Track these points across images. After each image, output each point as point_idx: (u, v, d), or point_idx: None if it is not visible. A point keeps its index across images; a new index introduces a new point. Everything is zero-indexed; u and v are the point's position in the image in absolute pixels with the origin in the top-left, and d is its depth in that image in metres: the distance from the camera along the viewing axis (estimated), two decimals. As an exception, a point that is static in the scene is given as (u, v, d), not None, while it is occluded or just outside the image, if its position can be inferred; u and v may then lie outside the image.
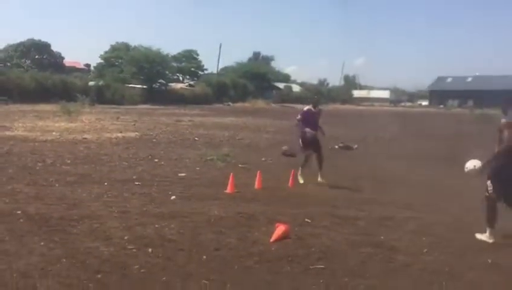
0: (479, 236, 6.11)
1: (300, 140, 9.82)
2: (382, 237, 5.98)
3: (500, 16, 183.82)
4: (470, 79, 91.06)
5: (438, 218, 7.12)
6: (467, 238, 6.11)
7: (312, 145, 9.70)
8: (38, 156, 11.72)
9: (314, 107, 9.87)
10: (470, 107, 64.15)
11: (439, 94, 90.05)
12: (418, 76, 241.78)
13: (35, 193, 7.62)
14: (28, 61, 64.26)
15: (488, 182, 6.14)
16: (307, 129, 9.53)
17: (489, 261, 5.25)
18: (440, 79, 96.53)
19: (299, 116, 9.73)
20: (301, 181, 9.52)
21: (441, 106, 79.66)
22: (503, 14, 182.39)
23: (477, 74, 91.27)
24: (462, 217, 7.20)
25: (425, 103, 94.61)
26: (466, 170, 6.41)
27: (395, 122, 29.63)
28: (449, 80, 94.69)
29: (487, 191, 6.14)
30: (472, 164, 6.35)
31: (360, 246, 5.58)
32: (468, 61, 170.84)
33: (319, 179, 9.60)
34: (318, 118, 9.81)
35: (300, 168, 9.78)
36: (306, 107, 10.03)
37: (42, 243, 5.17)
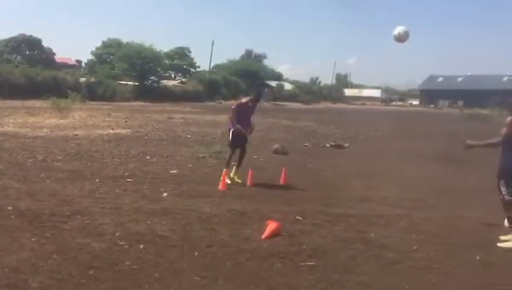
0: (503, 245, 5.71)
1: (230, 136, 9.09)
2: (372, 235, 6.03)
3: (491, 16, 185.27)
4: (460, 79, 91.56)
5: (428, 215, 7.18)
6: (456, 235, 6.17)
7: (241, 142, 9.11)
8: (29, 152, 11.66)
9: (254, 101, 9.10)
10: (460, 107, 64.62)
11: (430, 93, 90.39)
12: (410, 75, 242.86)
13: (26, 189, 7.59)
14: (19, 57, 63.69)
15: (502, 182, 5.89)
16: (236, 127, 8.90)
17: (478, 258, 5.32)
18: (431, 78, 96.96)
19: (234, 107, 9.09)
20: (239, 181, 8.89)
21: (431, 106, 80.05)
22: (494, 15, 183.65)
23: (468, 73, 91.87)
24: (451, 214, 7.27)
25: (416, 102, 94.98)
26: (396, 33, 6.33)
27: (386, 121, 29.76)
28: (440, 79, 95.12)
29: (501, 193, 5.89)
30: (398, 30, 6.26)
31: (351, 243, 5.62)
32: (460, 61, 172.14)
33: (232, 174, 8.99)
34: (253, 112, 9.28)
35: (229, 168, 9.05)
36: (244, 99, 9.37)
37: (33, 239, 5.16)
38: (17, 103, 34.12)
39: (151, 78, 61.20)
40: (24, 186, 7.85)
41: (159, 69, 63.07)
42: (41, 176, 8.83)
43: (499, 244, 5.78)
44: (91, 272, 4.37)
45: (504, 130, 5.95)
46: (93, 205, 6.75)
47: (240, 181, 8.90)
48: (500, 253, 5.56)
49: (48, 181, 8.42)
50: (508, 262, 5.25)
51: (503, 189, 5.88)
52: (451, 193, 8.86)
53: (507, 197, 5.86)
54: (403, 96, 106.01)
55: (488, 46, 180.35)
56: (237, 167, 9.12)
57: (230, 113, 9.19)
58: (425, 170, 11.54)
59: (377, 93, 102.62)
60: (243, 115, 9.08)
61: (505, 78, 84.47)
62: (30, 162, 10.35)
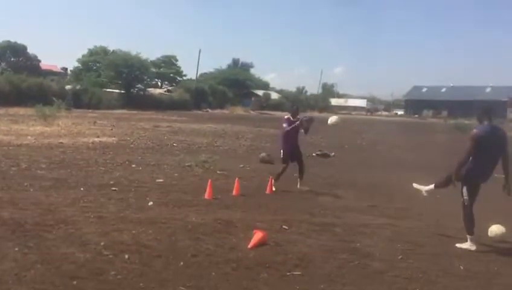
0: (459, 245, 6.14)
1: (282, 152, 9.82)
2: (358, 244, 6.06)
3: (474, 27, 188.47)
4: (444, 89, 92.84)
5: (412, 225, 7.25)
6: (441, 245, 6.24)
7: (295, 157, 9.77)
8: (13, 161, 11.51)
9: (293, 116, 9.77)
10: (444, 117, 65.46)
11: (414, 103, 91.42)
12: (396, 84, 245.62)
13: (9, 198, 7.48)
14: (3, 64, 62.98)
15: (464, 188, 6.20)
16: (284, 147, 9.75)
17: (462, 267, 5.38)
18: (415, 88, 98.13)
19: (285, 125, 9.62)
20: (273, 189, 9.39)
21: (416, 116, 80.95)
22: (477, 26, 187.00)
23: (451, 84, 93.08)
24: (436, 224, 7.35)
25: (401, 112, 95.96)
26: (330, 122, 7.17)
27: (371, 131, 30.00)
28: (424, 89, 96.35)
29: (462, 197, 6.23)
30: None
31: (336, 253, 5.65)
32: (444, 71, 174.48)
33: (299, 186, 9.73)
34: (298, 127, 9.71)
35: (274, 178, 9.64)
36: (286, 116, 9.93)
37: (16, 249, 5.09)
38: (1, 110, 33.70)
39: (137, 86, 60.95)
40: (7, 195, 7.74)
41: (145, 77, 62.87)
42: (25, 184, 8.72)
43: (458, 245, 6.13)
44: (75, 282, 4.32)
45: (470, 143, 6.09)
46: (77, 214, 6.68)
47: (302, 188, 9.61)
48: (483, 262, 5.63)
49: (31, 190, 8.32)
50: (490, 271, 5.33)
51: (464, 194, 6.21)
52: (436, 202, 8.94)
53: (466, 201, 6.18)
54: (388, 106, 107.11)
55: (471, 58, 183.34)
56: (300, 179, 9.78)
57: (282, 129, 9.80)
58: (410, 179, 11.62)
59: (362, 103, 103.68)
60: (292, 131, 9.64)
61: (488, 89, 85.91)
62: (14, 170, 10.21)
